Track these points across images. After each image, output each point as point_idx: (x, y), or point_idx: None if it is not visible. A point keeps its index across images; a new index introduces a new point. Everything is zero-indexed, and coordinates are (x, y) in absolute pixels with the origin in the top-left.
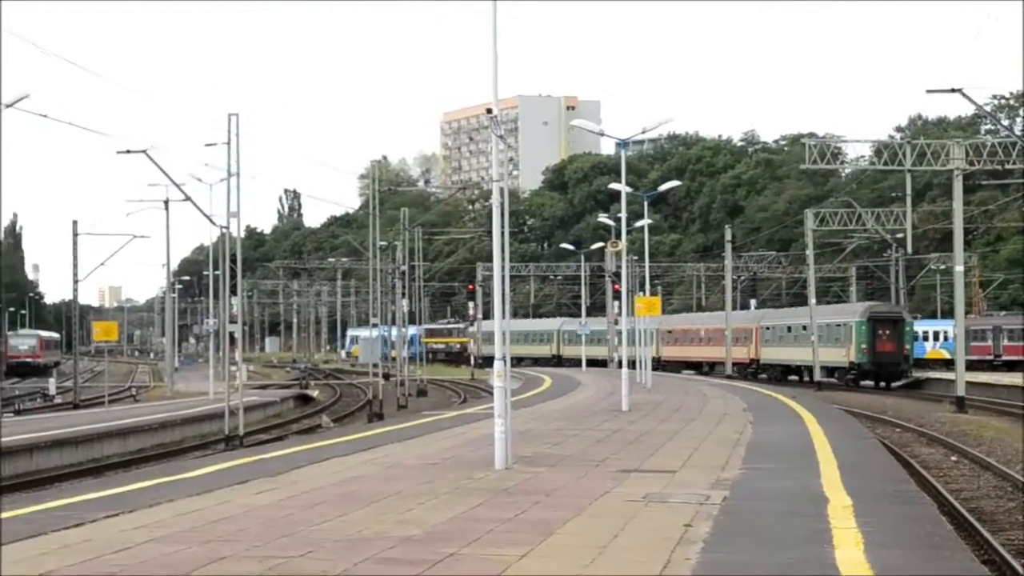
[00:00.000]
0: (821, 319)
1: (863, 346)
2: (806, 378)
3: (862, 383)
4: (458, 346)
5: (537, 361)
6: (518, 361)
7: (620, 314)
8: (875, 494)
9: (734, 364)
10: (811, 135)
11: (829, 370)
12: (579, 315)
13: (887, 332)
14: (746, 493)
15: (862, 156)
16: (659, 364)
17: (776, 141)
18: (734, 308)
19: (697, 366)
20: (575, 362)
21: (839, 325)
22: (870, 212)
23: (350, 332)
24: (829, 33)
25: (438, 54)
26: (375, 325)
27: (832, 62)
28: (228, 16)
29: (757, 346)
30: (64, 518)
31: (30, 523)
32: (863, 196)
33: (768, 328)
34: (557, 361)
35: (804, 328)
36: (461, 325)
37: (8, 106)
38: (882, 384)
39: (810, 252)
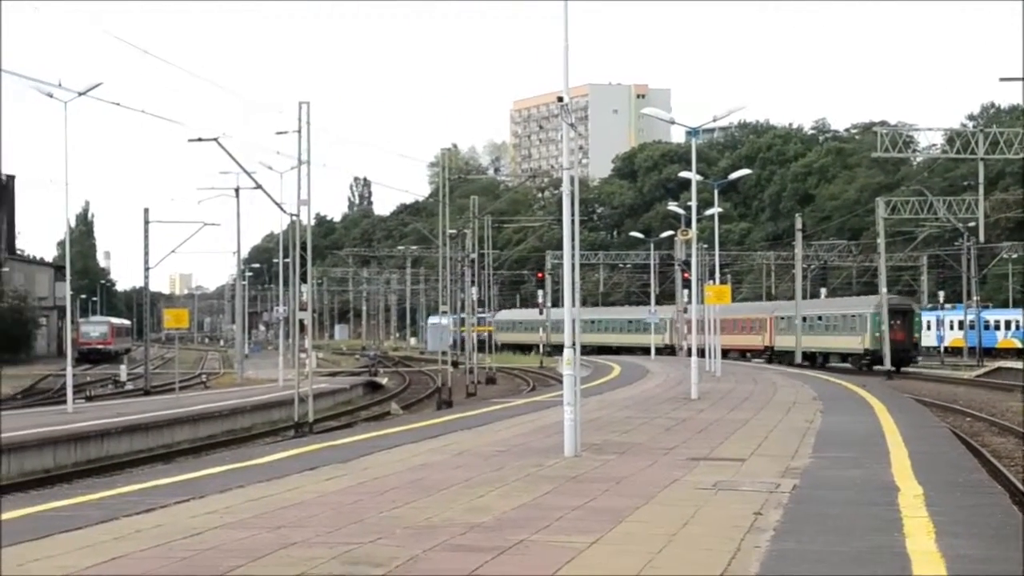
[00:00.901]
0: (839, 310)
1: (876, 334)
2: (818, 362)
3: (874, 368)
4: (484, 335)
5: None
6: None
7: (690, 302)
8: (946, 483)
9: (748, 351)
10: (883, 123)
11: (843, 355)
12: (648, 303)
13: (898, 322)
14: (816, 482)
15: (934, 144)
16: (674, 350)
17: (847, 129)
18: (804, 297)
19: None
20: (588, 351)
21: (854, 316)
22: (942, 200)
23: (431, 320)
24: (901, 20)
25: (508, 42)
26: (444, 313)
27: (904, 50)
28: (299, 5)
29: (771, 334)
30: (136, 503)
31: (103, 508)
32: (935, 184)
33: (782, 318)
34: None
35: (819, 319)
36: (487, 315)
37: (81, 94)
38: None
39: (881, 241)
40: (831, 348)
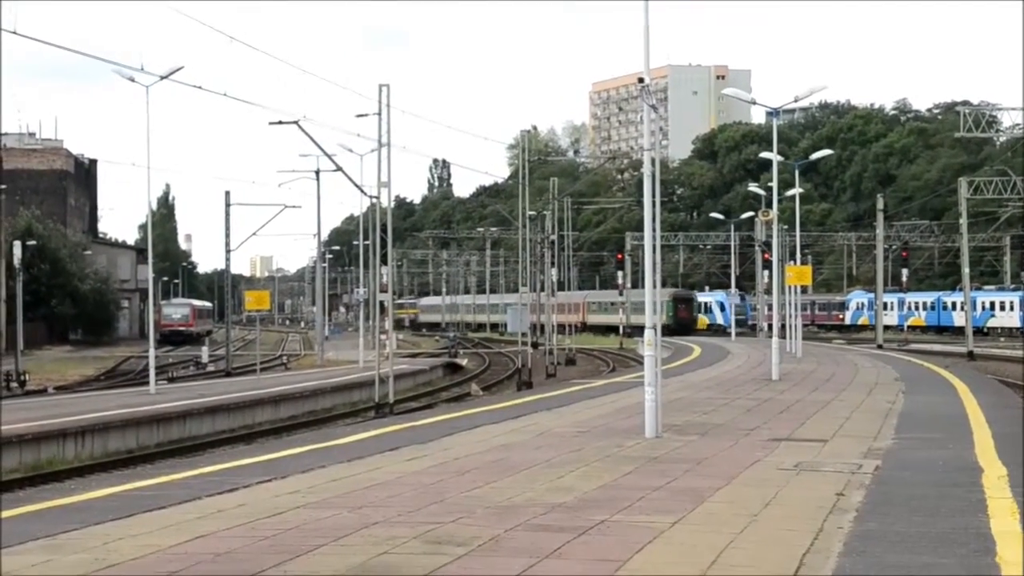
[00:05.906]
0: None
1: (671, 314)
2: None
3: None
4: None
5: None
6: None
7: (771, 283)
8: None
9: (568, 325)
10: (965, 103)
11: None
12: (728, 284)
13: (683, 305)
14: (899, 463)
15: (1018, 124)
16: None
17: (929, 109)
18: (885, 278)
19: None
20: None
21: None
22: None
23: (510, 300)
24: None
25: (587, 24)
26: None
27: (987, 28)
28: None
29: (584, 313)
30: (219, 483)
31: (186, 488)
32: (1018, 164)
33: (593, 303)
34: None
35: (612, 304)
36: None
37: (163, 78)
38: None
39: (964, 221)
40: (617, 323)
